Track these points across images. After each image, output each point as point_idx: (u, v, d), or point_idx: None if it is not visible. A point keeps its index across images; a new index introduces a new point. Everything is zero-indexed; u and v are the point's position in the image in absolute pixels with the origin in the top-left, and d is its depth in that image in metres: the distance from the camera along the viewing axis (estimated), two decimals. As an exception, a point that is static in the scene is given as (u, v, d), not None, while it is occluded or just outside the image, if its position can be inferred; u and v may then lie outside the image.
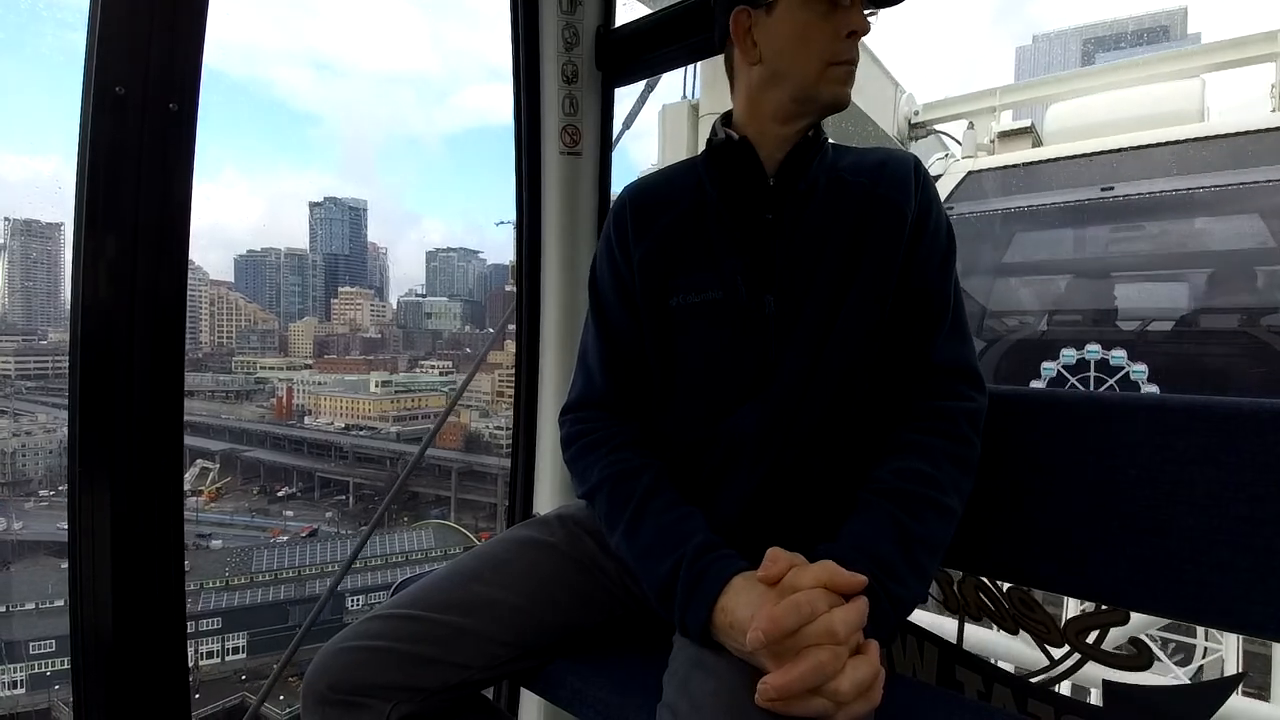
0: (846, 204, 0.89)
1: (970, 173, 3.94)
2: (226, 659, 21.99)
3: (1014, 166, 3.86)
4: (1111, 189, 3.46)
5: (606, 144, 1.71)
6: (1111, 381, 3.07)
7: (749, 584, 0.71)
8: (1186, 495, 0.86)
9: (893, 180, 0.90)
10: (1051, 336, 3.44)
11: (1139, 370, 3.03)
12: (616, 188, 1.66)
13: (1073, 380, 3.17)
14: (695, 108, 3.35)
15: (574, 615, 0.94)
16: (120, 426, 1.03)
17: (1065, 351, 3.20)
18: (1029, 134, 4.01)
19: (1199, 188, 3.29)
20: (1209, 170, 3.25)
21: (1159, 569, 0.87)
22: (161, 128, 1.04)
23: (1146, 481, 0.89)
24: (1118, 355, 3.07)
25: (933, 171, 4.07)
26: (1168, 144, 3.35)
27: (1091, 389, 3.08)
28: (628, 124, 1.86)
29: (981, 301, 3.75)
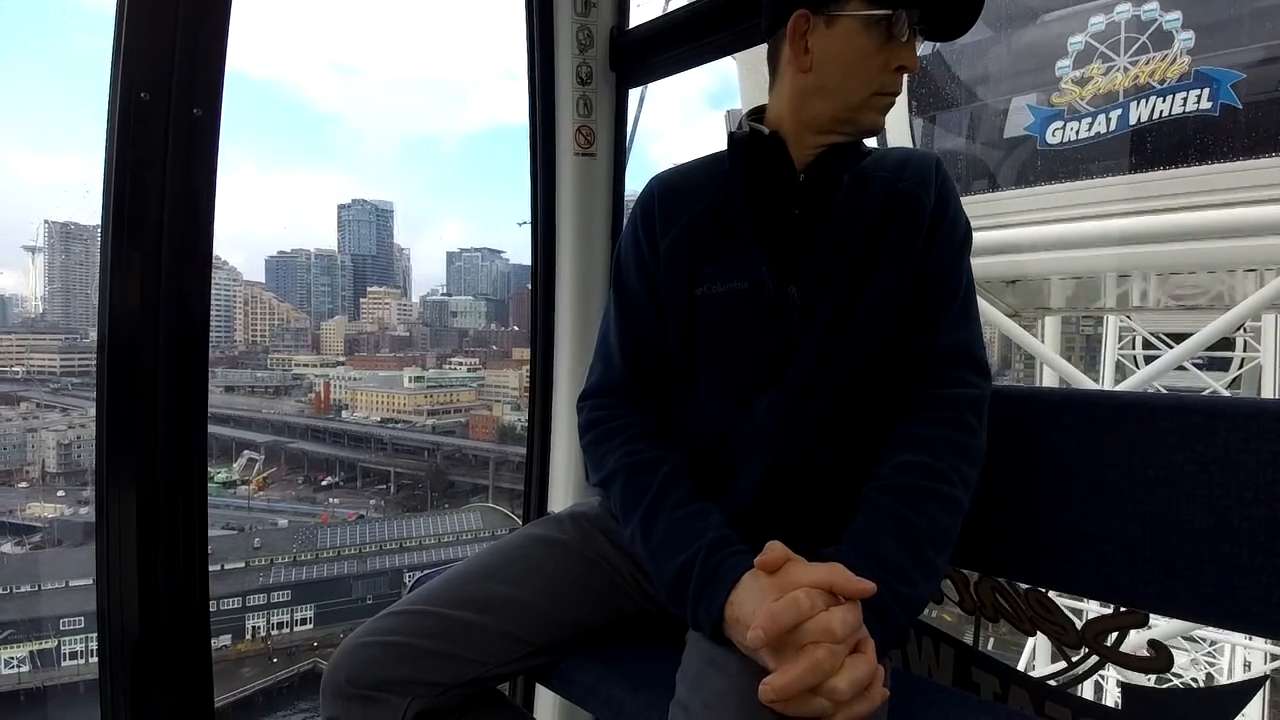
0: (869, 198, 0.89)
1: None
2: (295, 629, 22.82)
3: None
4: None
5: (621, 145, 1.71)
6: (1144, 39, 2.88)
7: (757, 579, 0.71)
8: (1206, 496, 0.84)
9: (914, 175, 0.90)
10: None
11: (1172, 19, 2.85)
12: (630, 188, 1.67)
13: (1101, 48, 2.98)
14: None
15: (587, 612, 0.95)
16: (146, 425, 1.06)
17: (1093, 19, 3.01)
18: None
19: None
20: None
21: (1178, 571, 0.85)
22: (186, 133, 1.07)
23: (1166, 482, 0.87)
24: (1150, 7, 2.87)
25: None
26: None
27: (1123, 54, 2.92)
28: (634, 125, 1.87)
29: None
